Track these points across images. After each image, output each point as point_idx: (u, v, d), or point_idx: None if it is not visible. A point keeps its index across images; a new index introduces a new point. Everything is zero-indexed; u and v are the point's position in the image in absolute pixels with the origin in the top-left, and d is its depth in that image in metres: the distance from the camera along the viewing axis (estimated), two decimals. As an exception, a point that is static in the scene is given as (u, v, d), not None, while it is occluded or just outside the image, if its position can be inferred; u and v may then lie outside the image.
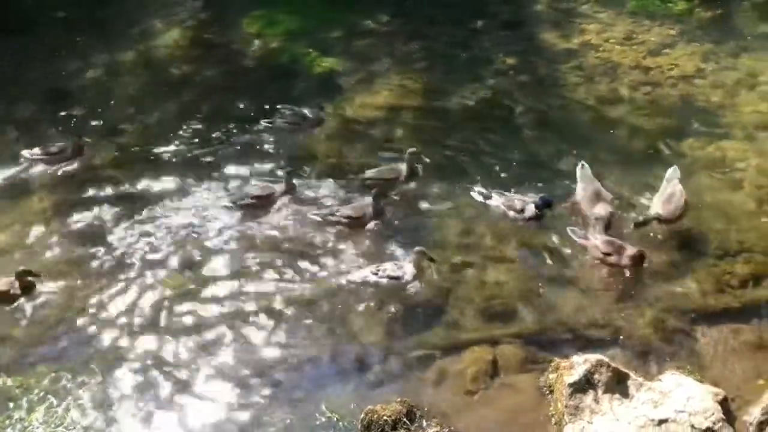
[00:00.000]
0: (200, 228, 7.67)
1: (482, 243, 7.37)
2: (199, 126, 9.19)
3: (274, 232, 7.62)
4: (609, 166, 8.18)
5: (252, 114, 9.28)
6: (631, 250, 6.87)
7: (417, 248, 6.94)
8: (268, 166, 8.54)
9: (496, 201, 7.66)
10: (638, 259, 6.87)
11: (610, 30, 10.57)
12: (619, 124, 8.89)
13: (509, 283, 6.92)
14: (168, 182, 8.31)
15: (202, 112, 9.45)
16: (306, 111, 8.99)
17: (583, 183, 7.62)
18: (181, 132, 9.08)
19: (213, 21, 11.25)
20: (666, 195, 7.38)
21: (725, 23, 10.57)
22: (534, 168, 8.30)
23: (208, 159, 8.68)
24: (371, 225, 7.60)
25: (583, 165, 7.73)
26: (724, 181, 7.94)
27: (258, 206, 7.85)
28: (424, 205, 7.92)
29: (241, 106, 9.51)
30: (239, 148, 8.81)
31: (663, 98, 9.28)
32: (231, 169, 8.50)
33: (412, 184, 8.11)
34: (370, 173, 8.16)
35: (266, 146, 8.84)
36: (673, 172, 7.56)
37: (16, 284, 6.88)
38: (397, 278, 6.89)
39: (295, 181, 8.00)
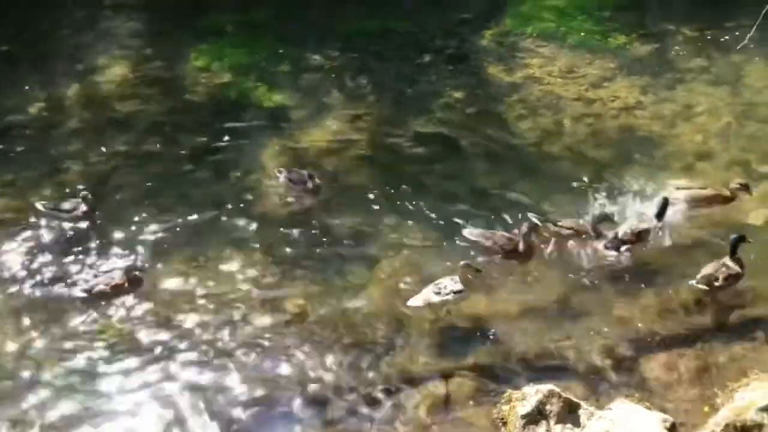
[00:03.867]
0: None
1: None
2: (146, 162, 9.07)
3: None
4: (553, 197, 8.37)
5: (198, 150, 9.23)
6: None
7: (463, 262, 7.00)
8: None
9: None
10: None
11: (552, 64, 10.82)
12: (563, 156, 9.10)
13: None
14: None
15: (147, 148, 9.31)
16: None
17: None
18: (126, 170, 8.95)
19: (159, 55, 11.09)
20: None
21: (661, 57, 10.92)
22: (481, 199, 8.43)
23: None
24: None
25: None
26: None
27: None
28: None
29: (188, 142, 9.41)
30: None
31: (605, 130, 9.54)
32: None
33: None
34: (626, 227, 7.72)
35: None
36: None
37: (125, 279, 7.28)
38: (459, 292, 6.86)
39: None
